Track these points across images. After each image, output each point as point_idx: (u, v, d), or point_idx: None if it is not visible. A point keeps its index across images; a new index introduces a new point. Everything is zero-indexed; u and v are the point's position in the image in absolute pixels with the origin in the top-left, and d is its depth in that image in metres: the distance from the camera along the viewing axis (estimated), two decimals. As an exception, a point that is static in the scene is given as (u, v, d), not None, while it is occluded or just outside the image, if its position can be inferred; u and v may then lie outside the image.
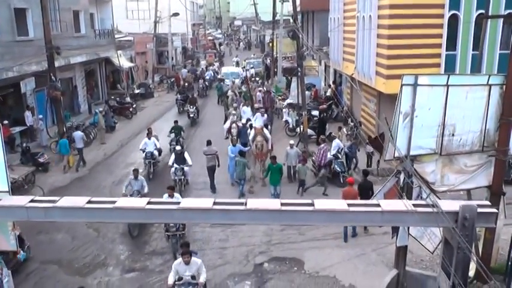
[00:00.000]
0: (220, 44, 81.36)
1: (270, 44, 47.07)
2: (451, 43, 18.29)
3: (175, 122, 22.20)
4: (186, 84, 37.92)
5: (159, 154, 19.42)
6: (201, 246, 13.53)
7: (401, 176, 9.65)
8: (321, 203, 7.05)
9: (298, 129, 23.09)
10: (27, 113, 21.81)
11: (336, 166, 17.55)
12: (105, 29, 33.14)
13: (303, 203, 7.14)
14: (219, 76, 39.00)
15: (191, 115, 27.66)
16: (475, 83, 9.64)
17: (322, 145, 17.95)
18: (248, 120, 22.30)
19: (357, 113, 24.68)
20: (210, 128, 26.36)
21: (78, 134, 20.84)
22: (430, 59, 17.96)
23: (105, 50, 31.54)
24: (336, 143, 18.20)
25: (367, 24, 20.11)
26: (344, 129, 20.38)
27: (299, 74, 21.57)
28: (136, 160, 21.28)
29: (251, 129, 20.07)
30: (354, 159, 18.51)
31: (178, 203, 7.47)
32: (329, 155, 17.66)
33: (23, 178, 17.18)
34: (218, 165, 17.62)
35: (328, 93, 28.55)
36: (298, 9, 31.86)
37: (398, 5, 17.68)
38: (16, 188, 16.70)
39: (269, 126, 22.82)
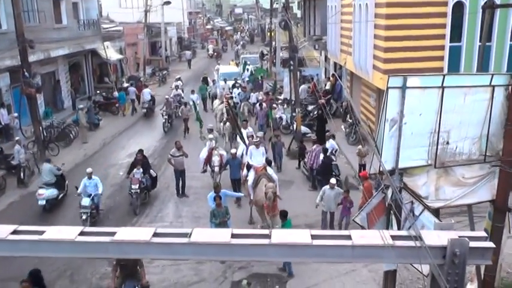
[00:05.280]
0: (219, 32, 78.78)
1: (268, 34, 45.61)
2: (456, 34, 16.78)
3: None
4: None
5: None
6: (175, 261, 12.37)
7: (389, 192, 8.39)
8: (279, 235, 5.81)
9: (292, 127, 21.76)
10: (2, 111, 20.57)
11: (329, 169, 16.20)
12: (91, 19, 31.56)
13: (257, 234, 5.94)
14: (184, 100, 27.57)
15: None
16: (475, 84, 8.27)
17: (315, 146, 16.63)
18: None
19: (358, 108, 23.29)
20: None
21: (132, 89, 29.23)
22: (432, 51, 16.52)
23: (90, 41, 30.06)
24: (331, 143, 16.88)
25: (363, 13, 18.67)
26: (361, 147, 16.99)
27: (291, 67, 20.19)
28: (118, 161, 20.26)
29: (248, 170, 14.94)
30: None
31: (113, 233, 6.25)
32: (322, 157, 16.34)
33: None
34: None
35: (327, 87, 27.14)
36: (299, -5, 30.39)
37: (396, -9, 16.25)
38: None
39: (272, 163, 16.46)
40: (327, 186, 13.52)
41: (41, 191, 15.22)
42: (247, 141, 16.51)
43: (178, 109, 25.73)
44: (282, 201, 13.62)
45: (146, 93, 28.59)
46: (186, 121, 23.72)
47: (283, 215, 11.72)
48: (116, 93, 29.72)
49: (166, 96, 26.17)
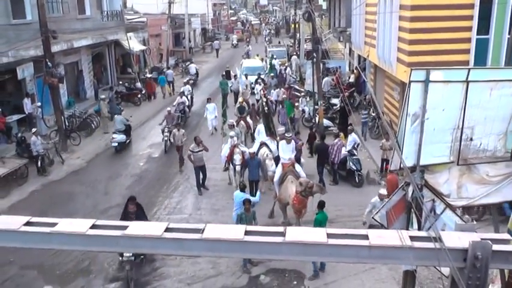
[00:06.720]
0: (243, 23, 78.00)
1: (293, 26, 45.28)
2: (484, 26, 16.21)
3: None
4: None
5: None
6: (192, 254, 12.33)
7: (410, 189, 8.14)
8: (294, 233, 5.62)
9: (315, 120, 21.49)
10: (26, 100, 20.77)
11: (350, 164, 15.94)
12: (114, 10, 31.63)
13: (271, 232, 5.75)
14: (188, 110, 25.12)
15: None
16: (502, 78, 7.93)
17: (336, 140, 16.38)
18: (262, 145, 15.85)
19: (381, 102, 22.88)
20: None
21: (170, 72, 32.92)
22: (458, 44, 16.00)
23: (113, 32, 30.15)
24: (352, 137, 16.59)
25: (388, 4, 18.24)
26: (384, 141, 16.35)
27: (314, 59, 19.91)
28: (139, 152, 20.37)
29: (276, 164, 14.53)
30: None
31: (125, 227, 6.16)
32: (344, 151, 16.09)
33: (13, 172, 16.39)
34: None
35: (351, 80, 26.76)
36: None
37: (422, -18, 15.77)
38: (6, 182, 16.04)
39: (302, 160, 15.56)
40: (377, 198, 11.81)
41: (114, 136, 19.98)
42: (278, 137, 15.91)
43: (181, 120, 21.90)
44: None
45: (192, 67, 35.74)
46: (179, 150, 18.41)
47: (321, 205, 11.45)
48: (138, 84, 29.87)
49: (168, 109, 21.61)
